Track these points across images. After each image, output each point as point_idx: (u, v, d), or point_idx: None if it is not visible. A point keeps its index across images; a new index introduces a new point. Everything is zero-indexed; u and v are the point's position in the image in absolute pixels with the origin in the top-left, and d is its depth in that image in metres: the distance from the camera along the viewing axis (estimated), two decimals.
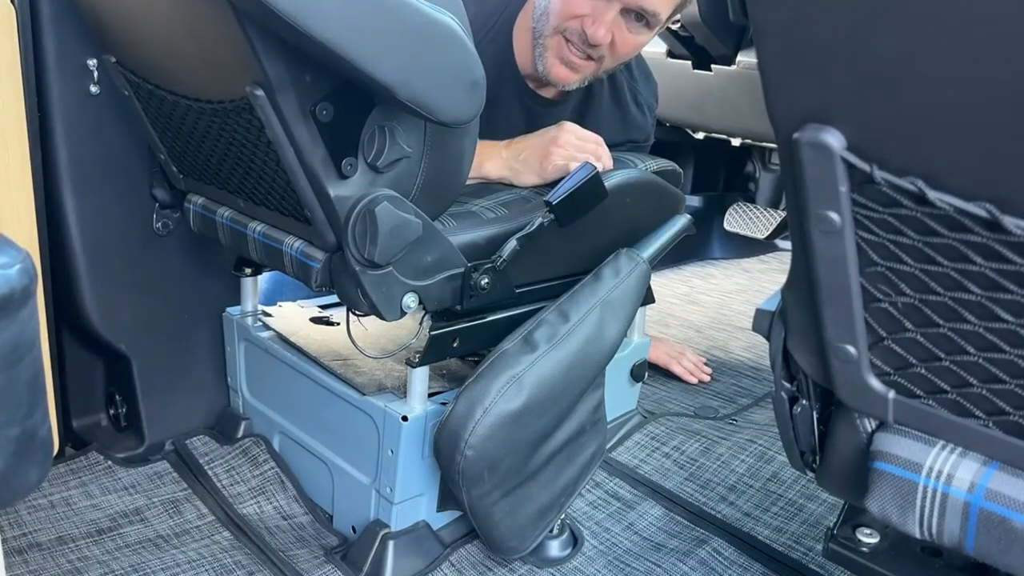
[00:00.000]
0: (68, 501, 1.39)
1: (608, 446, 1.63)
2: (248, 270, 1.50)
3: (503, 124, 1.54)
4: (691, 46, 2.49)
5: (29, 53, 1.26)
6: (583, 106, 1.61)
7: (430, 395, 1.28)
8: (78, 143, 1.34)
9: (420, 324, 1.27)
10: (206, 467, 1.49)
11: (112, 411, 1.57)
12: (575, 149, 1.35)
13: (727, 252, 2.99)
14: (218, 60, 1.05)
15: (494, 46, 1.52)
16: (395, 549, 1.27)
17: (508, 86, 1.55)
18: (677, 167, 1.57)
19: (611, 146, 1.55)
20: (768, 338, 0.90)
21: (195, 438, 1.55)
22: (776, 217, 2.80)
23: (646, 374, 1.72)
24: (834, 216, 0.70)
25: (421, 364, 1.23)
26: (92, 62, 1.32)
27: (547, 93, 1.59)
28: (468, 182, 1.27)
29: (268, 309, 1.55)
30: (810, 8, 0.63)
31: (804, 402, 0.90)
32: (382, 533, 1.28)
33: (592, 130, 1.46)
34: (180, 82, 1.16)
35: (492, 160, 1.39)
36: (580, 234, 1.30)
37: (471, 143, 1.19)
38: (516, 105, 1.57)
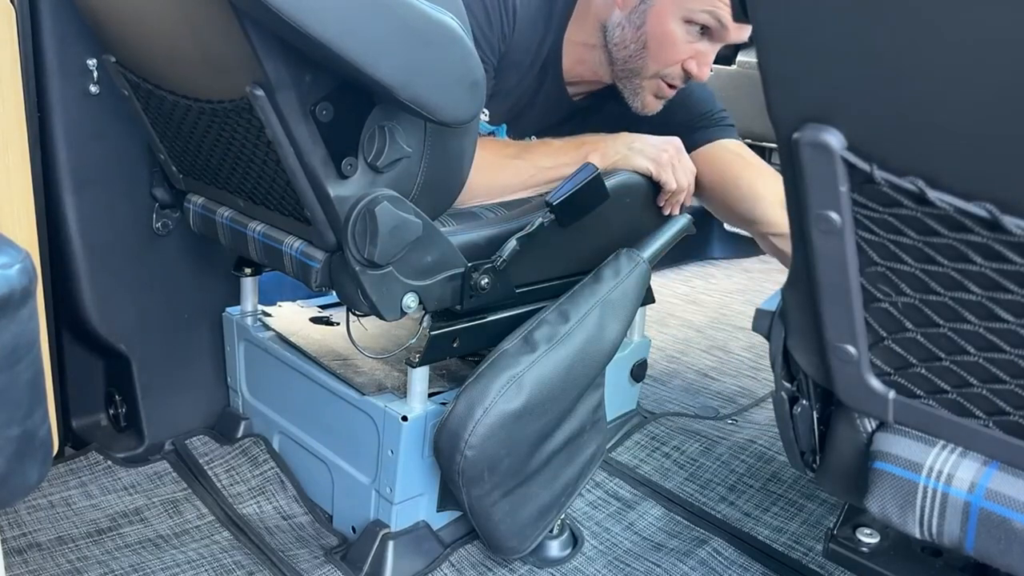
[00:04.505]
0: (68, 501, 1.39)
1: (608, 446, 1.63)
2: (248, 270, 1.50)
3: (536, 121, 1.58)
4: None
5: (29, 53, 1.26)
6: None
7: (430, 395, 1.28)
8: (78, 143, 1.34)
9: (420, 324, 1.27)
10: (206, 467, 1.49)
11: (112, 411, 1.57)
12: (681, 165, 1.40)
13: (727, 252, 2.98)
14: (218, 60, 1.05)
15: (543, 52, 1.53)
16: (395, 549, 1.27)
17: (550, 91, 1.57)
18: None
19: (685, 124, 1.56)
20: (768, 338, 0.90)
21: (195, 438, 1.55)
22: None
23: (646, 374, 1.72)
24: (834, 216, 0.70)
25: (421, 364, 1.23)
26: (92, 62, 1.32)
27: (580, 99, 1.62)
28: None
29: (268, 309, 1.55)
30: (810, 8, 0.63)
31: (804, 402, 0.89)
32: (382, 533, 1.28)
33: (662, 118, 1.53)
34: (180, 82, 1.16)
35: (596, 152, 1.38)
36: (580, 234, 1.30)
37: (471, 143, 1.19)
38: (554, 106, 1.59)
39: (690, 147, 1.50)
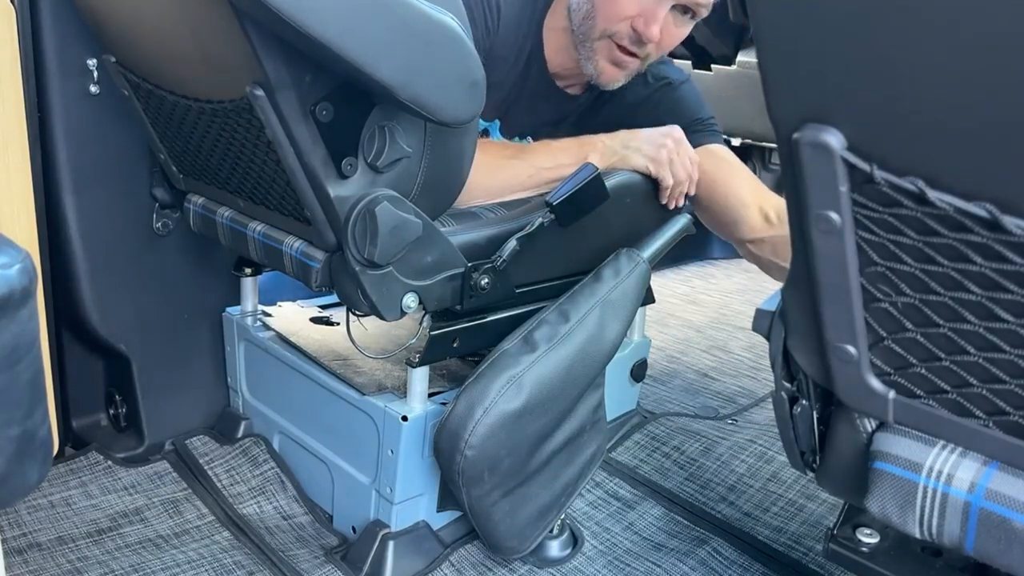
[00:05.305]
0: (68, 501, 1.39)
1: (608, 446, 1.63)
2: (248, 270, 1.50)
3: (528, 119, 1.56)
4: (691, 46, 2.50)
5: (29, 53, 1.26)
6: (614, 97, 1.60)
7: (430, 395, 1.28)
8: (78, 143, 1.34)
9: (420, 324, 1.27)
10: (206, 467, 1.49)
11: (112, 411, 1.57)
12: (680, 159, 1.39)
13: (727, 252, 2.98)
14: (218, 60, 1.05)
15: (527, 46, 1.52)
16: (395, 549, 1.27)
17: (536, 83, 1.55)
18: None
19: (616, 124, 1.55)
20: (768, 338, 0.90)
21: (195, 438, 1.55)
22: None
23: (646, 374, 1.72)
24: (834, 216, 0.70)
25: (421, 364, 1.23)
26: (92, 62, 1.32)
27: (572, 90, 1.60)
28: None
29: (268, 309, 1.55)
30: (810, 8, 0.63)
31: (804, 402, 0.89)
32: (382, 533, 1.28)
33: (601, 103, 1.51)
34: (180, 82, 1.16)
35: (595, 152, 1.38)
36: (580, 234, 1.30)
37: (471, 143, 1.19)
38: (543, 101, 1.58)
39: None
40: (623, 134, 1.41)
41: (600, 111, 1.59)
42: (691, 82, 1.64)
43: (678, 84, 1.61)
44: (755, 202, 1.54)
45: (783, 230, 1.48)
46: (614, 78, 1.49)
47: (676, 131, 1.41)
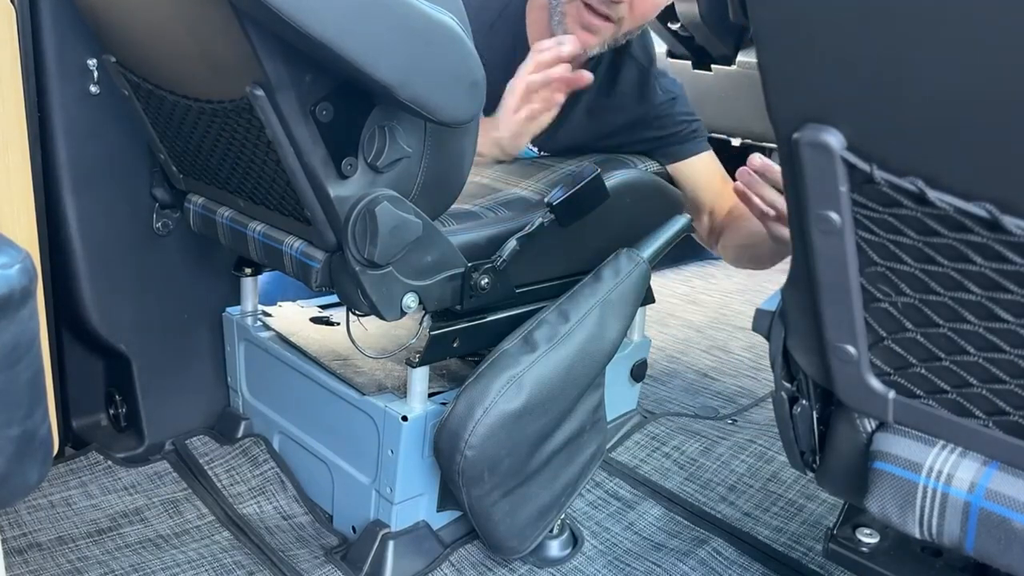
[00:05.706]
0: (68, 501, 1.39)
1: (608, 446, 1.63)
2: (248, 270, 1.50)
3: None
4: (691, 46, 2.49)
5: (29, 53, 1.26)
6: (604, 78, 1.59)
7: (430, 395, 1.28)
8: (78, 143, 1.34)
9: (420, 324, 1.27)
10: (206, 467, 1.49)
11: (112, 411, 1.57)
12: (523, 94, 1.36)
13: None
14: (218, 60, 1.05)
15: (510, 31, 1.52)
16: (395, 549, 1.27)
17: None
18: None
19: (630, 129, 1.55)
20: (768, 338, 0.90)
21: (195, 438, 1.55)
22: None
23: (646, 374, 1.72)
24: (834, 216, 0.70)
25: (421, 364, 1.23)
26: (92, 62, 1.32)
27: None
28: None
29: (268, 309, 1.55)
30: (810, 8, 0.63)
31: (804, 402, 0.90)
32: (382, 533, 1.28)
33: (610, 105, 1.52)
34: (180, 82, 1.16)
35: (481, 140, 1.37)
36: (580, 234, 1.30)
37: (471, 143, 1.19)
38: None
39: (668, 161, 1.56)
40: (491, 140, 1.41)
41: (581, 96, 1.58)
42: (683, 96, 1.65)
43: (670, 98, 1.64)
44: (708, 208, 1.61)
45: (730, 223, 1.58)
46: (586, 43, 1.46)
47: (508, 93, 1.38)
